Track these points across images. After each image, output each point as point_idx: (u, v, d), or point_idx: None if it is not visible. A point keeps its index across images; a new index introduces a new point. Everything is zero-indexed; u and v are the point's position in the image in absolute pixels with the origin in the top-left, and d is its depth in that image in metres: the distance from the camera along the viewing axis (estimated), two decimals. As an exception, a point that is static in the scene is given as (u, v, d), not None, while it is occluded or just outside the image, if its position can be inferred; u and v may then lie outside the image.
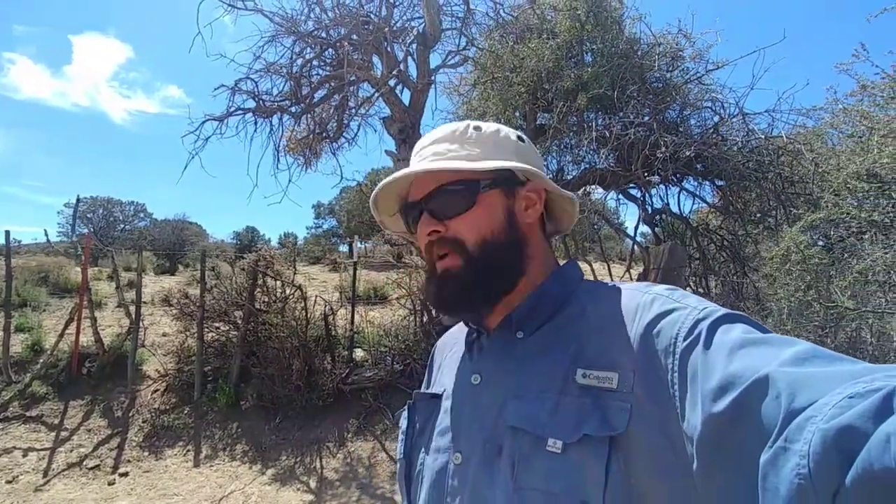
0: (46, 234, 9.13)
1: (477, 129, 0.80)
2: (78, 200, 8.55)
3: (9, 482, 4.58)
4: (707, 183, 4.97)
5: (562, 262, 0.85)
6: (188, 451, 5.34)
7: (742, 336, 0.54)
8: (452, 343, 0.93)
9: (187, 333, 6.57)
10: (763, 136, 3.91)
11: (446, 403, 0.81)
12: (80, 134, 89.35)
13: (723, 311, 0.60)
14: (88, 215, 30.39)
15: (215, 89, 5.16)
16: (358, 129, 5.81)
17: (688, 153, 3.81)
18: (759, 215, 4.80)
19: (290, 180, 5.87)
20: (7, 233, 6.55)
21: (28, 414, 5.61)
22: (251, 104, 5.25)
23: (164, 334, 7.40)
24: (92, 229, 29.03)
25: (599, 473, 0.58)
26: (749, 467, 0.45)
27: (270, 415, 5.90)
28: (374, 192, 0.82)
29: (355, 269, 6.92)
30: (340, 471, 5.10)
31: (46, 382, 6.01)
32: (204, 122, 5.22)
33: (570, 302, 0.76)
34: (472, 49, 5.32)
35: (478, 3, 5.51)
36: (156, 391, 6.23)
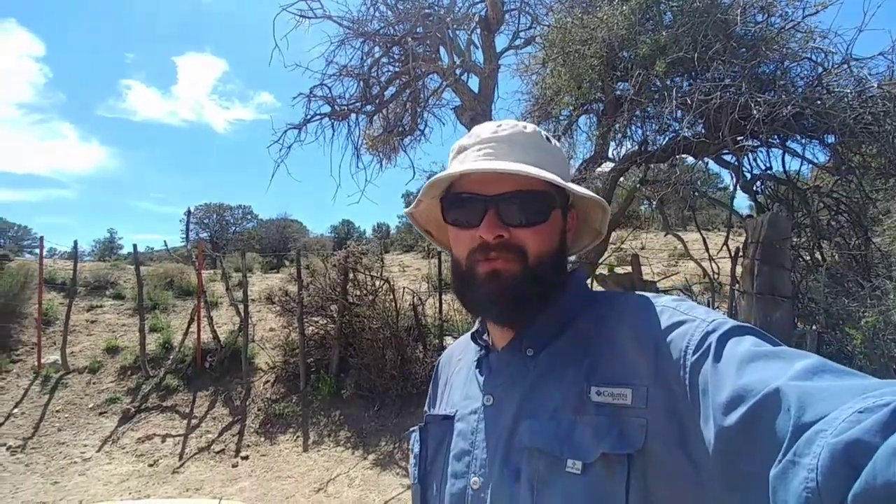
0: (166, 244, 10.23)
1: (547, 139, 0.79)
2: (189, 212, 9.53)
3: (151, 465, 5.26)
4: (815, 141, 4.43)
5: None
6: (298, 436, 5.80)
7: (751, 349, 0.54)
8: (457, 359, 0.92)
9: (290, 328, 7.09)
10: (876, 84, 3.39)
11: (459, 425, 0.79)
12: (190, 146, 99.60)
13: (732, 322, 0.60)
14: (205, 221, 33.62)
15: (294, 98, 5.49)
16: (426, 124, 5.89)
17: (785, 112, 3.41)
18: (887, 169, 4.20)
19: (367, 180, 6.10)
20: (134, 246, 7.45)
21: (164, 404, 6.37)
22: (326, 109, 5.51)
23: (272, 329, 8.03)
24: (208, 234, 32.10)
25: (620, 492, 0.59)
26: (761, 481, 0.45)
27: (369, 403, 6.22)
28: (446, 173, 0.74)
29: (440, 259, 7.03)
30: (436, 456, 5.27)
31: (177, 376, 6.79)
32: (286, 131, 5.57)
33: (578, 317, 0.75)
34: (538, 27, 5.14)
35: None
36: (267, 382, 6.81)
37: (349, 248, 6.87)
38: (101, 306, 8.97)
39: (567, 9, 5.13)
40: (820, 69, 3.88)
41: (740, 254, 4.53)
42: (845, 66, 3.64)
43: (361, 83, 5.26)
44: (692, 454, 0.55)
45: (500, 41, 5.33)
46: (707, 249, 5.56)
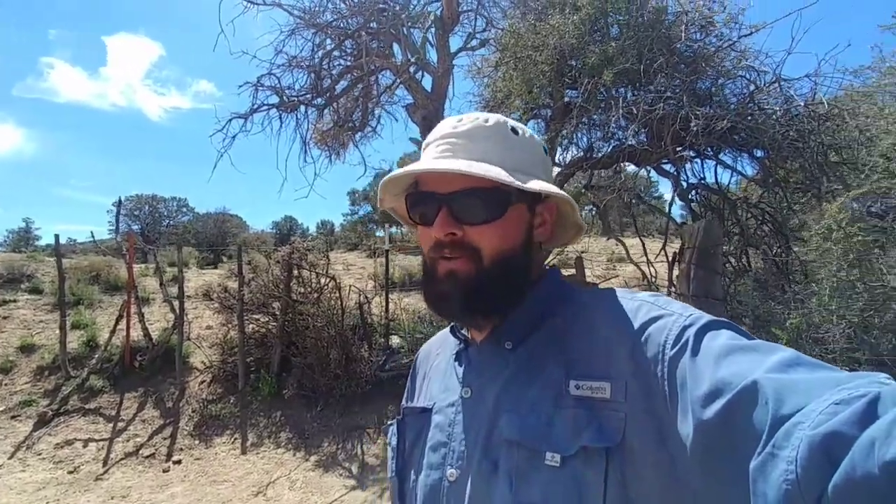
0: (93, 235, 9.55)
1: (514, 131, 0.76)
2: (120, 202, 8.91)
3: (70, 472, 4.89)
4: (745, 155, 4.75)
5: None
6: (235, 439, 5.57)
7: (728, 343, 0.55)
8: (436, 352, 0.92)
9: (229, 326, 6.81)
10: (802, 104, 3.69)
11: (437, 418, 0.79)
12: (120, 133, 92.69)
13: (708, 317, 0.61)
14: (136, 213, 31.70)
15: (240, 86, 5.26)
16: (378, 119, 5.80)
17: (721, 126, 3.63)
18: (805, 184, 4.57)
19: (315, 174, 5.96)
20: (56, 237, 6.91)
21: (87, 406, 5.95)
22: (275, 99, 5.32)
23: (209, 327, 7.68)
24: (139, 226, 30.33)
25: (598, 485, 0.59)
26: (740, 473, 0.46)
27: (312, 403, 6.07)
28: (395, 174, 0.75)
29: (388, 257, 6.97)
30: (381, 456, 5.22)
31: (102, 376, 6.35)
32: (230, 121, 5.32)
33: (556, 311, 0.75)
34: (493, 30, 5.20)
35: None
36: (203, 382, 6.50)
37: (294, 245, 6.68)
38: (14, 301, 8.26)
39: (520, 14, 5.22)
40: (752, 87, 4.16)
41: (677, 258, 4.78)
42: (775, 84, 3.93)
43: (312, 75, 5.11)
44: (671, 448, 0.55)
45: (454, 42, 5.38)
46: (646, 254, 5.82)
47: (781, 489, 0.41)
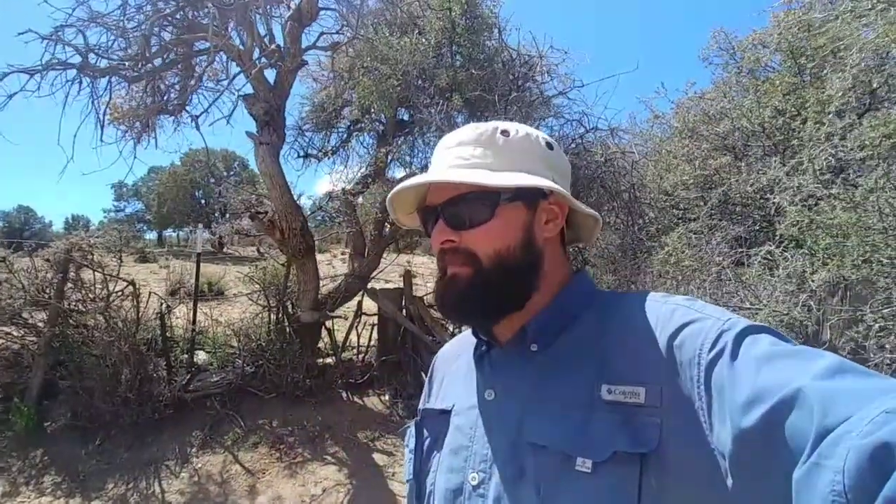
0: None
1: (505, 133, 0.76)
2: None
3: None
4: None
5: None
6: (-27, 491, 4.20)
7: (769, 348, 0.54)
8: (456, 354, 0.91)
9: (-40, 342, 5.15)
10: (620, 151, 4.49)
11: (457, 420, 0.78)
12: None
13: (746, 322, 0.60)
14: None
15: (20, 34, 4.03)
16: (235, 106, 5.01)
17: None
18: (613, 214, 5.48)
19: (134, 156, 4.92)
20: None
21: None
22: (76, 59, 4.19)
23: (-80, 343, 5.67)
24: None
25: (632, 493, 0.57)
26: (782, 484, 0.45)
27: (89, 436, 4.93)
28: (390, 194, 0.79)
29: (198, 262, 6.13)
30: (187, 492, 4.49)
31: None
32: (7, 74, 4.01)
33: (585, 313, 0.74)
34: (345, 36, 5.05)
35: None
36: (-87, 419, 4.76)
37: (73, 240, 5.40)
38: None
39: (374, 24, 5.21)
40: (582, 129, 4.87)
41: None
42: (595, 131, 4.69)
43: (142, 41, 4.21)
44: (708, 455, 0.54)
45: (305, 38, 5.05)
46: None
47: (829, 500, 0.40)
